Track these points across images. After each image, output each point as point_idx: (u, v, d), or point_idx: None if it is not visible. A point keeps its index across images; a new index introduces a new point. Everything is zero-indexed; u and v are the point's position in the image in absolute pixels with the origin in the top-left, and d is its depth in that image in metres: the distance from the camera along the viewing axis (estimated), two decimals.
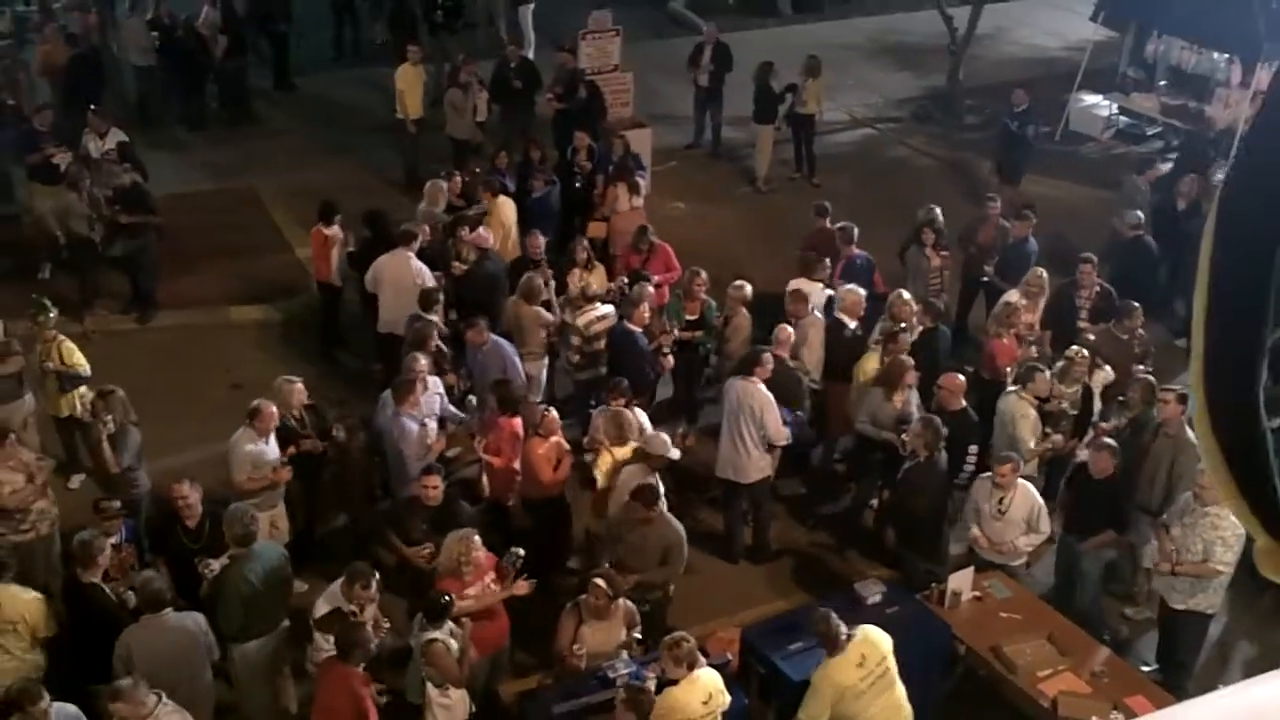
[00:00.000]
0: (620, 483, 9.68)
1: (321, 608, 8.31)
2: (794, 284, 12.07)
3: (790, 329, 11.20)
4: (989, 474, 9.82)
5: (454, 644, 8.11)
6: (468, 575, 8.62)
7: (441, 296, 11.74)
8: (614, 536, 9.37)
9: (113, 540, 8.70)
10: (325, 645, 8.17)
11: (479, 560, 8.70)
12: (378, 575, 8.38)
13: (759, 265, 14.10)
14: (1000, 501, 9.69)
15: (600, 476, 10.02)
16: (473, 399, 11.02)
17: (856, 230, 12.93)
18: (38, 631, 8.34)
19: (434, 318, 11.38)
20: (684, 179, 17.57)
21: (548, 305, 11.93)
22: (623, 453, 10.01)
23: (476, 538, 8.72)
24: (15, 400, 10.97)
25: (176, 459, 10.76)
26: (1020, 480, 9.74)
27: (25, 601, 8.36)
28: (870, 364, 11.07)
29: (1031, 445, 10.44)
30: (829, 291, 12.09)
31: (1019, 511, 9.70)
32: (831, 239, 12.96)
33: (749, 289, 11.82)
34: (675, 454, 9.90)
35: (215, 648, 8.31)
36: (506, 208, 13.55)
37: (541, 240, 12.71)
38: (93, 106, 15.43)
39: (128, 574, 8.56)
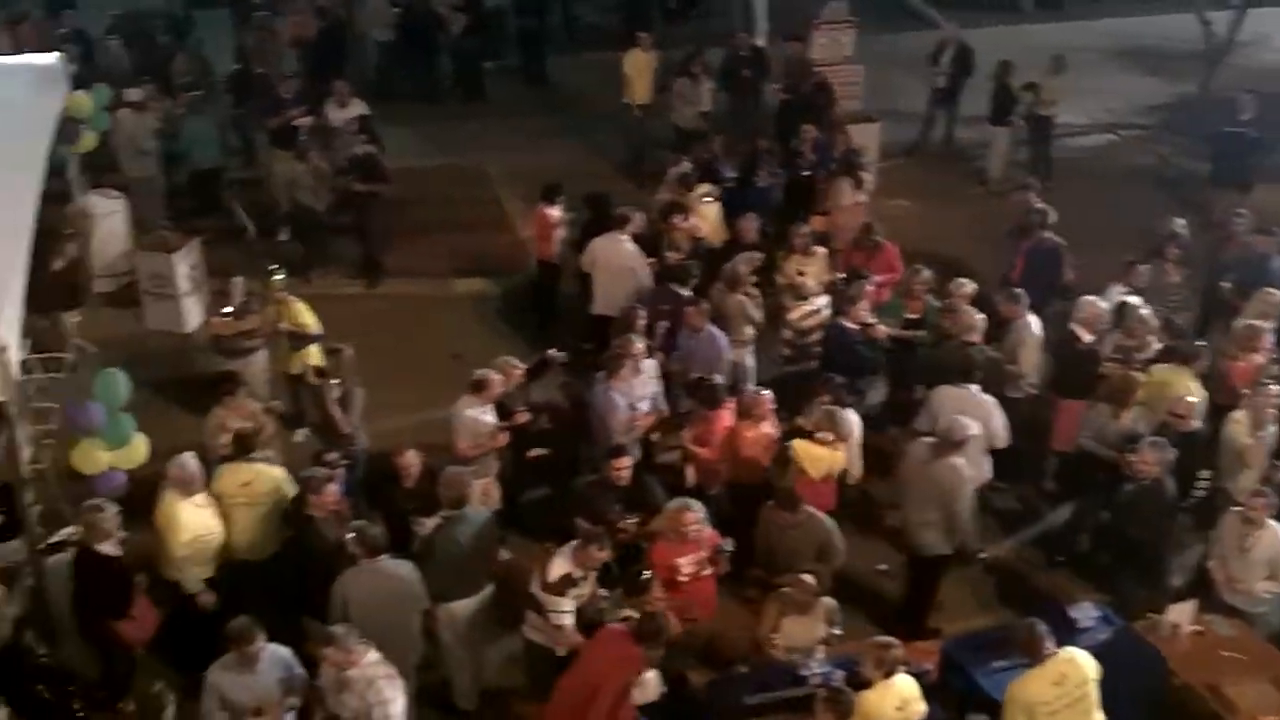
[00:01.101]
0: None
1: (556, 571, 8.38)
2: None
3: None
4: (1240, 508, 9.29)
5: None
6: (689, 538, 8.67)
7: (697, 271, 11.83)
8: (767, 549, 9.24)
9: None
10: (560, 608, 8.28)
11: (701, 533, 8.73)
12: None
13: (982, 267, 13.68)
14: (1246, 539, 9.16)
15: (807, 468, 9.84)
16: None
17: (1053, 215, 12.56)
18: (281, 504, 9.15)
19: (685, 291, 11.47)
20: (910, 176, 17.20)
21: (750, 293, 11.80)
22: (826, 453, 9.83)
23: (697, 506, 8.75)
24: (249, 355, 11.54)
25: (392, 421, 11.07)
26: (1271, 521, 9.17)
27: (274, 477, 9.24)
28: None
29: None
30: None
31: (1263, 553, 9.12)
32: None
33: (971, 287, 11.45)
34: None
35: (425, 597, 8.50)
36: (712, 204, 13.46)
37: (754, 225, 12.63)
38: (336, 78, 16.01)
39: (344, 524, 8.83)
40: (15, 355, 8.26)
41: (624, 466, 9.29)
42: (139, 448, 9.99)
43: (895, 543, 10.31)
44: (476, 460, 9.81)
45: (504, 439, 10.03)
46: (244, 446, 9.36)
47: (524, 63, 20.07)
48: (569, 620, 8.35)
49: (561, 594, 8.30)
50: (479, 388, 9.99)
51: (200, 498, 8.96)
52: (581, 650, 8.07)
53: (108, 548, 8.52)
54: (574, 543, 8.41)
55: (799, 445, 9.82)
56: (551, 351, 10.92)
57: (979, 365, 10.45)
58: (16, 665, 7.74)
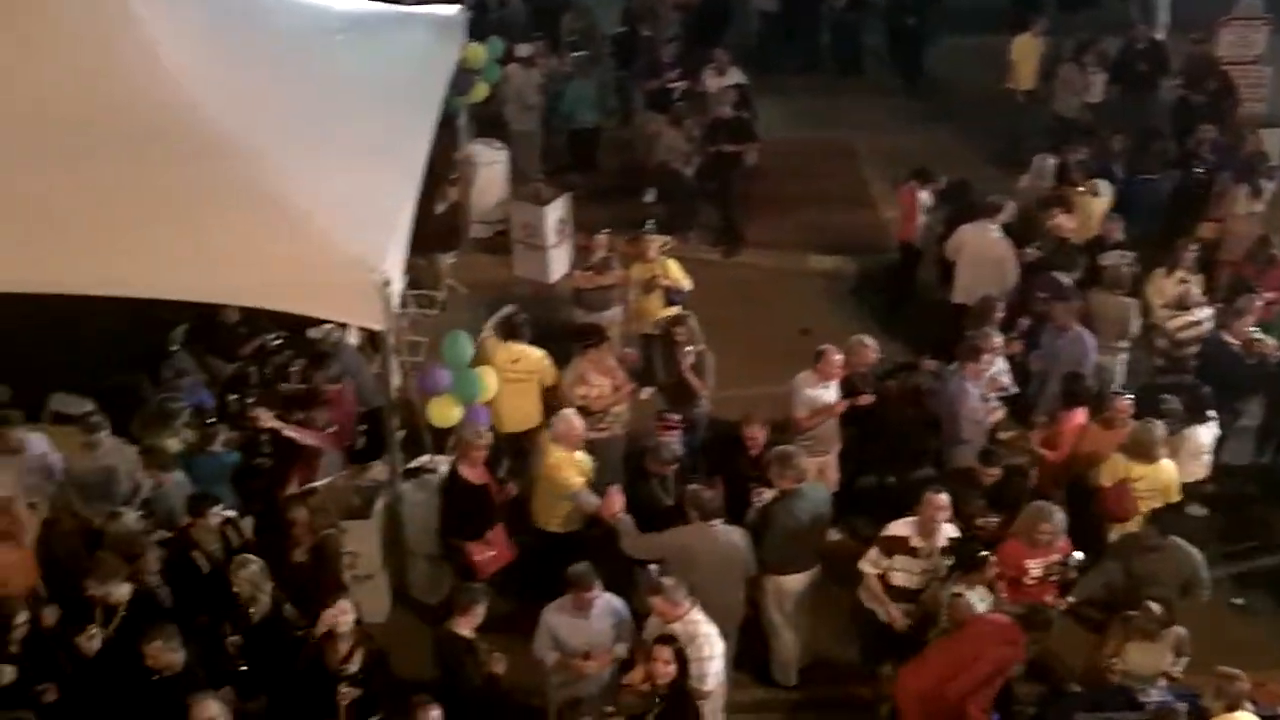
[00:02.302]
0: None
1: (894, 530, 8.49)
2: None
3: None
4: None
5: (980, 606, 7.99)
6: (1041, 544, 8.43)
7: (1083, 264, 11.44)
8: (1118, 566, 8.73)
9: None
10: (880, 565, 8.41)
11: (1055, 541, 8.49)
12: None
13: None
14: None
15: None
16: None
17: None
18: (544, 382, 10.22)
19: (1068, 280, 11.11)
20: None
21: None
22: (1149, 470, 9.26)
23: (1057, 516, 8.49)
24: (606, 310, 11.84)
25: (737, 390, 11.08)
26: None
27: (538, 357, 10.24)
28: None
29: None
30: None
31: None
32: None
33: None
34: None
35: (753, 566, 8.54)
36: (1093, 199, 12.81)
37: (1119, 225, 12.04)
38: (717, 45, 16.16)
39: (680, 485, 8.97)
40: (397, 289, 8.72)
41: (993, 472, 9.19)
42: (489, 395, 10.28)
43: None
44: (814, 433, 9.79)
45: (842, 406, 9.94)
46: (510, 331, 10.44)
47: (897, 58, 19.44)
48: (890, 580, 8.46)
49: (889, 553, 8.35)
50: (821, 364, 9.93)
51: (581, 453, 9.34)
52: (963, 627, 7.96)
53: (473, 473, 8.95)
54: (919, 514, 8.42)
55: (1114, 457, 9.36)
56: (927, 360, 10.66)
57: None
58: (276, 640, 8.02)
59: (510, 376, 10.21)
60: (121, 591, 8.00)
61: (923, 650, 8.16)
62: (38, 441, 9.53)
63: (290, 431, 9.67)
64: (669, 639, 7.43)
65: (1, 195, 8.51)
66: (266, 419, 9.71)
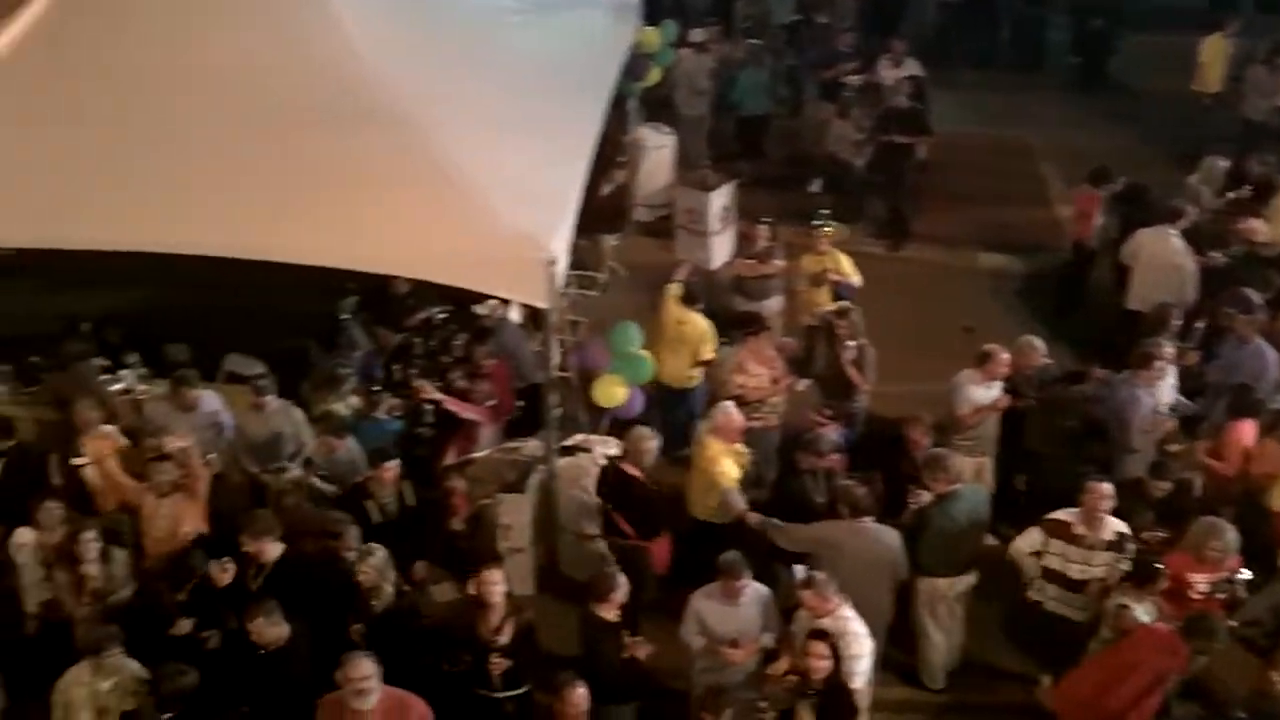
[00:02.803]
0: None
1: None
2: None
3: None
4: None
5: (1144, 619, 7.82)
6: (1210, 560, 8.18)
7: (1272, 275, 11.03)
8: None
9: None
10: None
11: (1224, 558, 8.21)
12: None
13: None
14: None
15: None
16: None
17: None
18: (699, 353, 10.57)
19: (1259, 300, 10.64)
20: None
21: None
22: None
23: (1231, 534, 8.22)
24: (767, 299, 11.79)
25: (894, 386, 10.91)
26: None
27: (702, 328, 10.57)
28: None
29: None
30: None
31: None
32: None
33: None
34: None
35: (904, 567, 8.43)
36: None
37: None
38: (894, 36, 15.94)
39: (834, 480, 8.91)
40: (563, 269, 8.80)
41: (1163, 488, 8.99)
42: (651, 373, 10.36)
43: None
44: (974, 433, 9.65)
45: (1005, 401, 9.78)
46: (688, 297, 10.75)
47: (1080, 56, 18.86)
48: (1047, 563, 8.40)
49: (1050, 536, 8.38)
50: (985, 362, 9.77)
51: (739, 446, 9.33)
52: (1125, 638, 7.82)
53: (635, 470, 9.04)
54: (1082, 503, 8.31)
55: None
56: (1097, 370, 10.38)
57: None
58: (399, 629, 8.04)
59: (672, 334, 10.68)
60: (274, 550, 8.17)
61: (1083, 660, 8.00)
62: (211, 399, 9.88)
63: (451, 404, 9.86)
64: (822, 634, 7.38)
65: (186, 162, 8.81)
66: (429, 390, 9.92)
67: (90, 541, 8.33)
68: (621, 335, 10.03)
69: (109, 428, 9.42)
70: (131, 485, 8.88)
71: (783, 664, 7.57)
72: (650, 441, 9.13)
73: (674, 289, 10.95)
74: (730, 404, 9.52)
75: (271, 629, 7.49)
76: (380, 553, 8.17)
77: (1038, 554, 8.47)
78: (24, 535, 8.57)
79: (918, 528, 8.53)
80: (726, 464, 9.18)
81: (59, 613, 8.48)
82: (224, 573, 7.97)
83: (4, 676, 8.13)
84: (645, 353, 10.10)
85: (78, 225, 8.71)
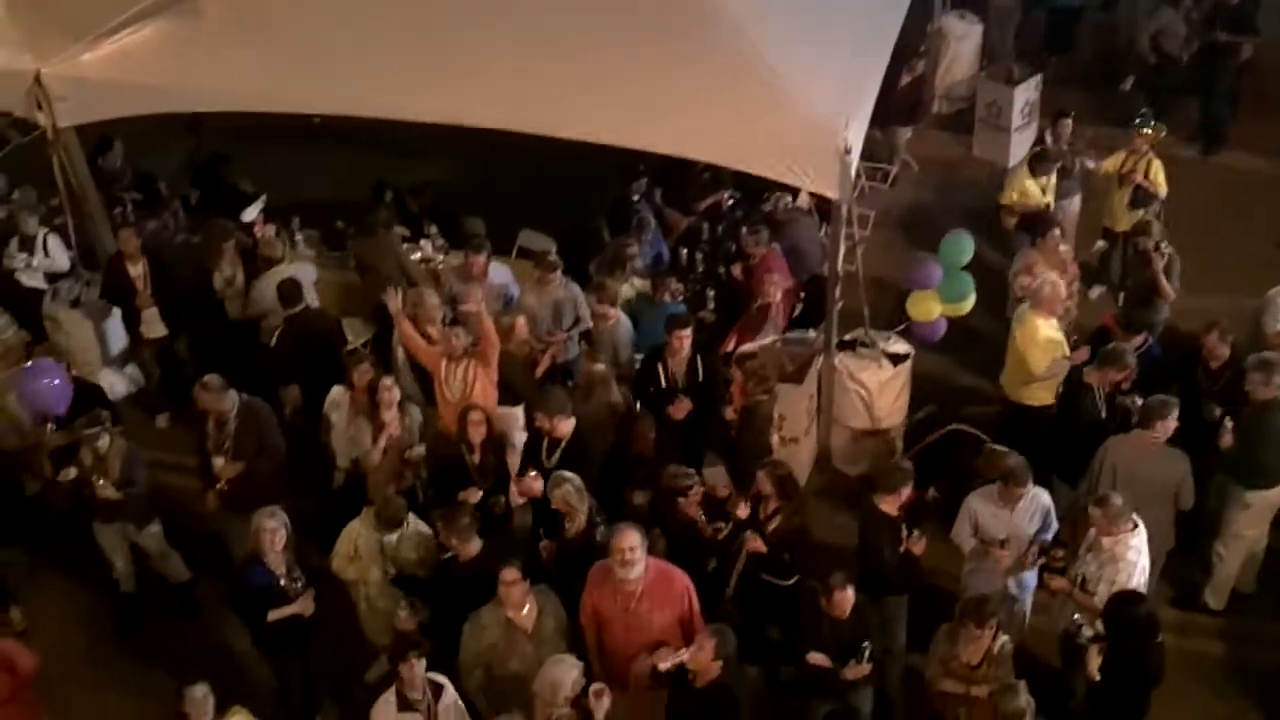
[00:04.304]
0: None
1: None
2: None
3: None
4: None
5: None
6: None
7: None
8: None
9: None
10: None
11: None
12: None
13: None
14: None
15: None
16: None
17: None
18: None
19: None
20: None
21: None
22: None
23: None
24: (1065, 199, 11.26)
25: (1195, 299, 10.22)
26: None
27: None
28: None
29: None
30: None
31: None
32: None
33: None
34: None
35: (1189, 494, 7.99)
36: None
37: None
38: None
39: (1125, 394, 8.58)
40: (855, 159, 8.63)
41: None
42: (969, 303, 10.03)
43: None
44: None
45: None
46: None
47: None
48: None
49: None
50: None
51: (1055, 321, 9.08)
52: None
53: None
54: None
55: None
56: None
57: None
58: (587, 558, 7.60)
59: None
60: (566, 426, 8.34)
61: None
62: (501, 271, 10.22)
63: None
64: None
65: (492, 42, 8.95)
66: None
67: (389, 389, 8.62)
68: (954, 246, 9.78)
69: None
70: (426, 348, 9.13)
71: (1062, 582, 7.47)
72: None
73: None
74: (1054, 275, 9.17)
75: (463, 544, 7.53)
76: (570, 482, 7.76)
77: None
78: (337, 393, 9.03)
79: (1247, 436, 8.05)
80: (1042, 339, 8.89)
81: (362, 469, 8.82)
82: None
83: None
84: (970, 278, 9.82)
85: (382, 95, 9.06)
